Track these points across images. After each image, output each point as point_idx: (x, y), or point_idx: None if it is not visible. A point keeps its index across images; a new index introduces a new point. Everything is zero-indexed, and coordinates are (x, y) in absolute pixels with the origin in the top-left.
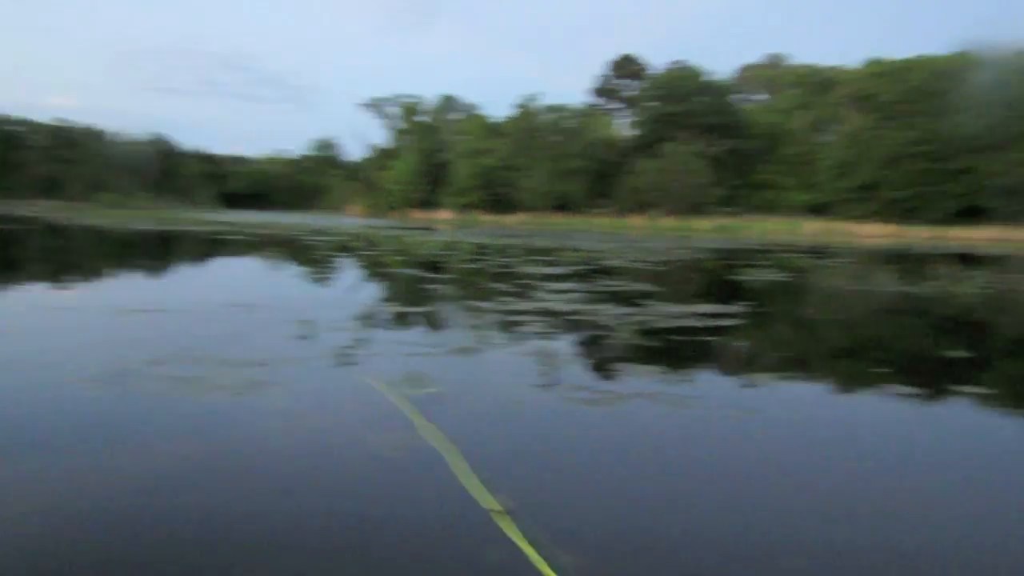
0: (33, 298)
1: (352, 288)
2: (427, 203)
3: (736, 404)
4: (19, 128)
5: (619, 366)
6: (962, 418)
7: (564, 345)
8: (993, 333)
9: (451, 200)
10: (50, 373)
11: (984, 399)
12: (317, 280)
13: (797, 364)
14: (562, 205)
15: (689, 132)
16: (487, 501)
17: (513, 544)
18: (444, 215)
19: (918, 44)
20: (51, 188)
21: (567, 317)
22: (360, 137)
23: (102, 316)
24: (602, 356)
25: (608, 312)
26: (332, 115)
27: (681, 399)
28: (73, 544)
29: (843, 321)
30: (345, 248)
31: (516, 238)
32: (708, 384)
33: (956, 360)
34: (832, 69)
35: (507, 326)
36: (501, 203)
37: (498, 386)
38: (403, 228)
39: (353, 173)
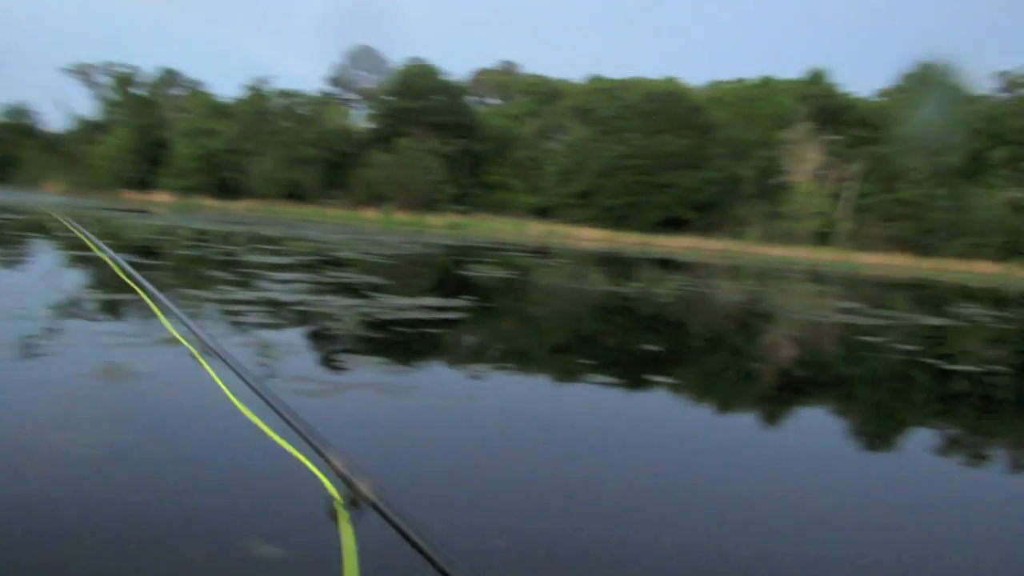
0: None
1: (47, 273)
2: (143, 184)
3: (455, 394)
4: None
5: (342, 357)
6: (652, 404)
7: (286, 336)
8: (682, 329)
9: (171, 182)
10: None
11: (673, 388)
12: (4, 263)
13: (514, 356)
14: (294, 194)
15: (424, 129)
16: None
17: None
18: (162, 197)
19: (636, 65)
20: None
21: (292, 308)
22: (62, 106)
23: None
24: (325, 347)
25: (335, 303)
26: (28, 79)
27: (402, 389)
28: None
29: (558, 316)
30: (41, 228)
31: (242, 225)
32: (428, 375)
33: (652, 353)
34: (560, 81)
35: (225, 316)
36: (227, 188)
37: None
38: (114, 209)
39: (53, 145)
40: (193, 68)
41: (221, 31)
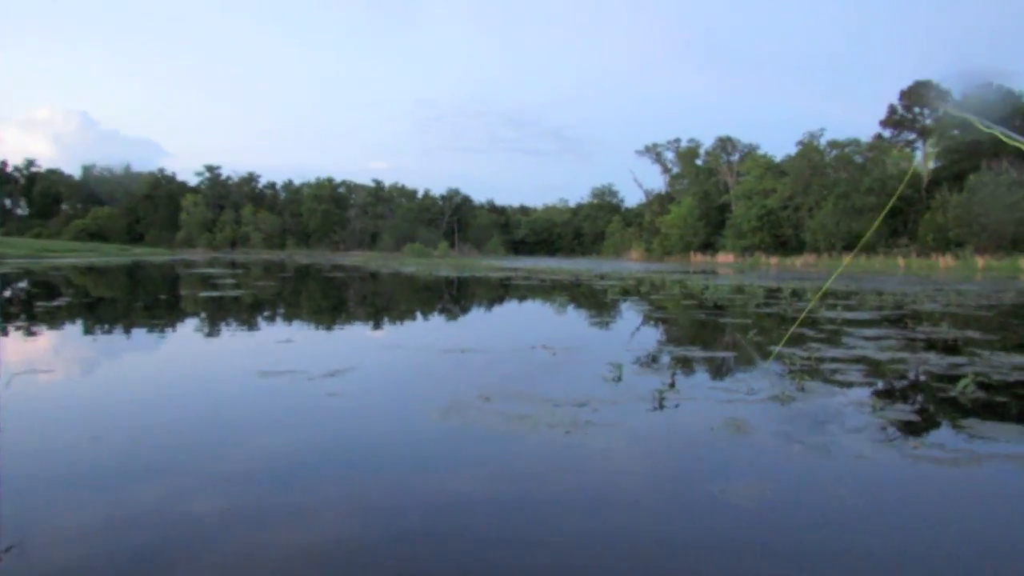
0: (372, 336)
1: (648, 332)
2: (707, 246)
3: None
4: (343, 190)
5: (970, 422)
6: None
7: (898, 398)
8: None
9: (732, 242)
10: (401, 404)
11: None
12: (612, 323)
13: None
14: (853, 245)
15: (1003, 160)
16: None
17: None
18: (725, 258)
19: None
20: (368, 240)
21: (890, 366)
22: (638, 183)
23: (431, 354)
24: (946, 411)
25: (935, 362)
26: (610, 163)
27: None
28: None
29: None
30: (630, 292)
31: (807, 281)
32: None
33: None
34: None
35: (823, 374)
36: (786, 245)
37: (833, 441)
38: (685, 272)
39: (632, 219)
40: (747, 133)
41: (770, 95)
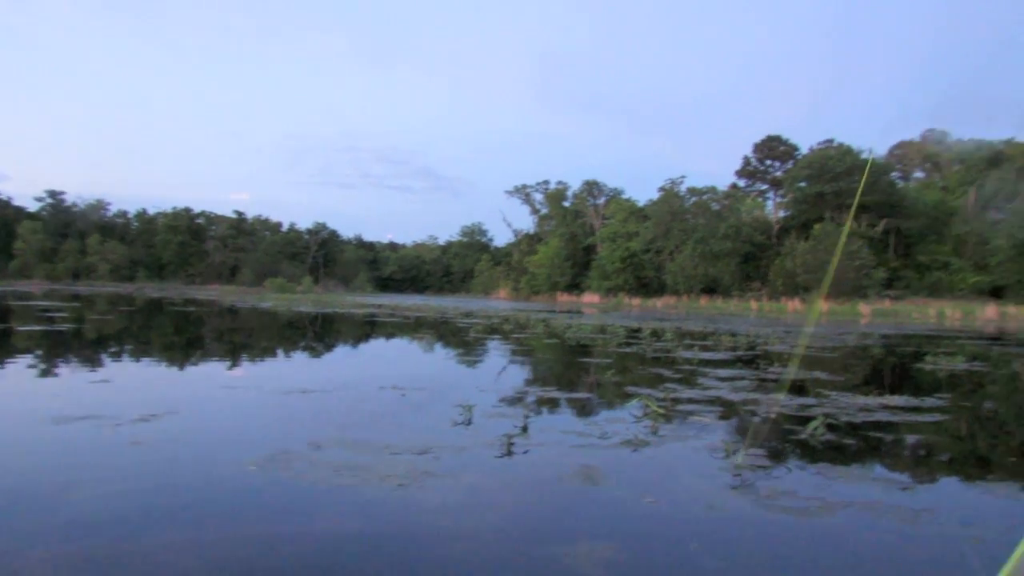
0: (208, 376)
1: (506, 371)
2: (573, 286)
3: (985, 520)
4: (202, 220)
5: (820, 467)
6: None
7: (750, 441)
8: None
9: (597, 283)
10: (217, 453)
11: None
12: (472, 363)
13: None
14: (711, 288)
15: (843, 212)
16: None
17: None
18: (590, 298)
19: None
20: (227, 274)
21: (744, 408)
22: (507, 223)
23: (268, 396)
24: (797, 455)
25: (785, 402)
26: (480, 202)
27: (911, 513)
28: None
29: None
30: (495, 331)
31: (666, 322)
32: (935, 493)
33: None
34: (1004, 142)
35: (677, 416)
36: (648, 286)
37: (685, 490)
38: (550, 311)
39: (500, 258)
40: (613, 177)
41: (637, 140)
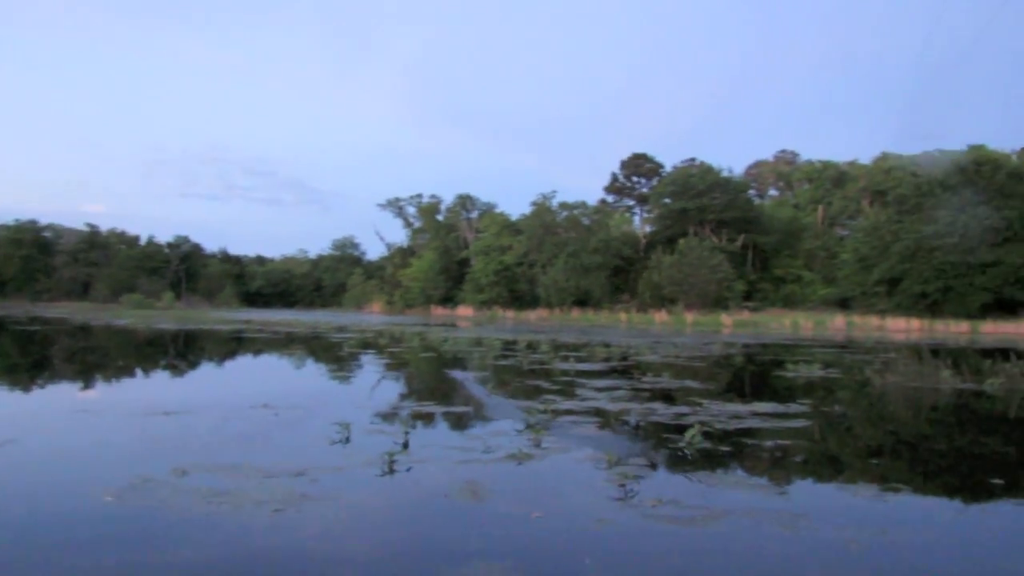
0: (57, 399)
1: (383, 386)
2: (447, 299)
3: (857, 522)
4: (49, 234)
5: (702, 475)
6: None
7: (631, 451)
8: None
9: (471, 297)
10: (69, 483)
11: None
12: (346, 379)
13: (898, 474)
14: (583, 301)
15: (705, 227)
16: None
17: None
18: (465, 311)
19: (930, 140)
20: (79, 290)
21: (620, 417)
22: (380, 236)
23: (127, 419)
24: (677, 464)
25: (661, 412)
26: (352, 216)
27: (788, 517)
28: None
29: (932, 422)
30: (370, 345)
31: (541, 334)
32: (809, 497)
33: None
34: (847, 164)
35: (557, 427)
36: (521, 299)
37: (572, 503)
38: (425, 325)
39: (373, 271)
40: (486, 192)
41: (508, 155)
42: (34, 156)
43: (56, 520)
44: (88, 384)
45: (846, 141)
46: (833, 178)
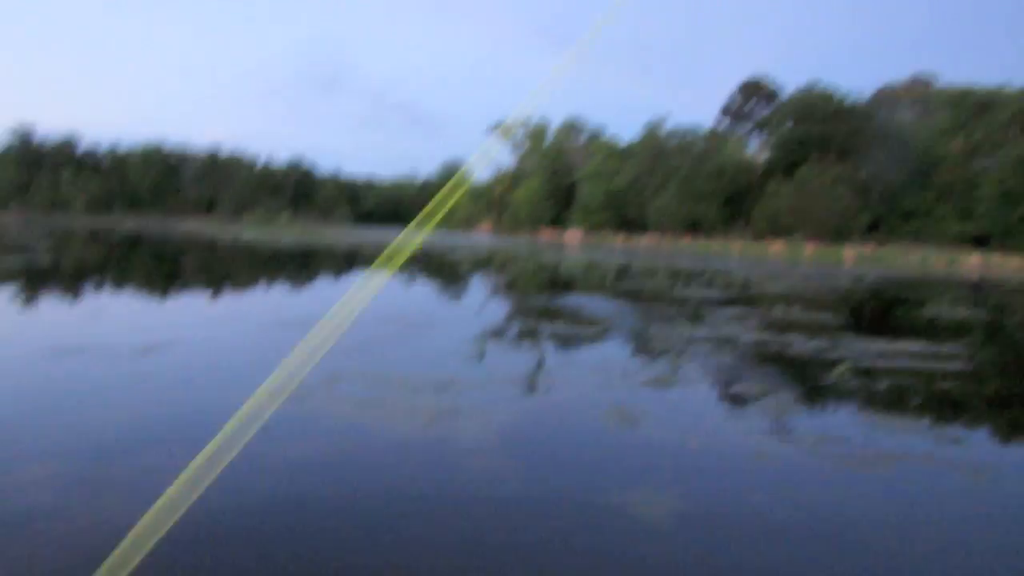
0: (203, 308)
1: (507, 306)
2: (555, 222)
3: None
4: (176, 156)
5: (859, 414)
6: None
7: (776, 384)
8: None
9: (580, 220)
10: (225, 387)
11: None
12: (471, 297)
13: None
14: (694, 228)
15: (828, 155)
16: None
17: None
18: (572, 235)
19: None
20: (204, 207)
21: (757, 348)
22: (488, 160)
23: (269, 327)
24: (829, 400)
25: (800, 345)
26: (460, 139)
27: (971, 470)
28: None
29: None
30: (485, 265)
31: (654, 260)
32: (988, 447)
33: None
34: (991, 91)
35: (694, 356)
36: (630, 224)
37: (725, 434)
38: (534, 247)
39: (482, 194)
40: (595, 116)
41: (615, 78)
42: (156, 82)
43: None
44: (226, 295)
45: (991, 65)
46: (976, 105)
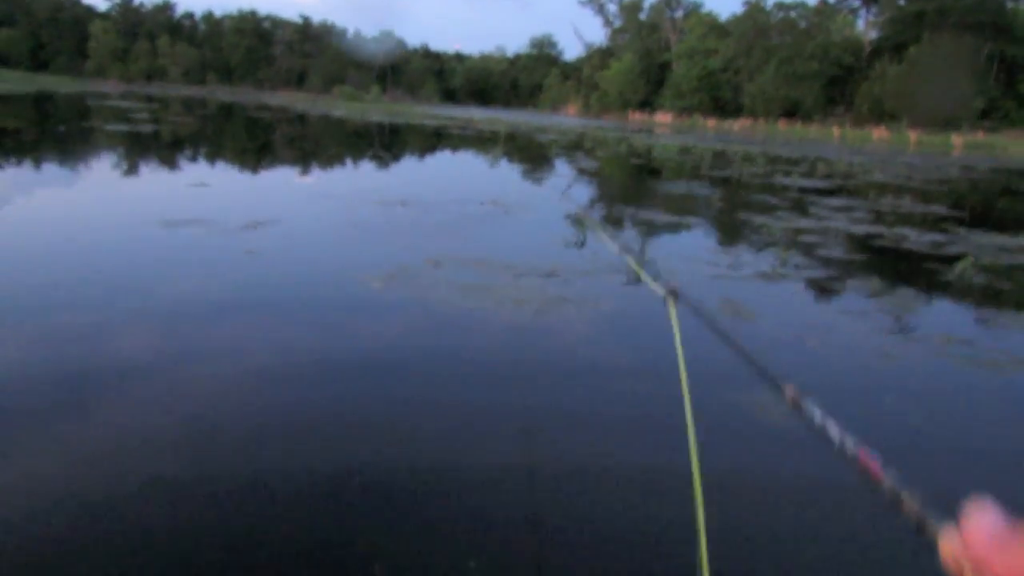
0: (302, 185)
1: (602, 191)
2: (645, 104)
3: None
4: (268, 24)
5: (983, 313)
6: None
7: (893, 280)
8: None
9: (671, 103)
10: (334, 265)
11: None
12: (565, 180)
13: None
14: (791, 112)
15: (943, 33)
16: None
17: None
18: (663, 118)
19: None
20: (296, 80)
21: (868, 242)
22: (579, 35)
23: (368, 207)
24: (953, 298)
25: (915, 239)
26: (550, 12)
27: None
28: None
29: None
30: (575, 147)
31: (749, 145)
32: None
33: None
34: None
35: (801, 248)
36: (724, 108)
37: (843, 332)
38: (623, 130)
39: (570, 72)
40: None
41: None
42: None
43: (334, 300)
44: (325, 172)
45: None
46: None
